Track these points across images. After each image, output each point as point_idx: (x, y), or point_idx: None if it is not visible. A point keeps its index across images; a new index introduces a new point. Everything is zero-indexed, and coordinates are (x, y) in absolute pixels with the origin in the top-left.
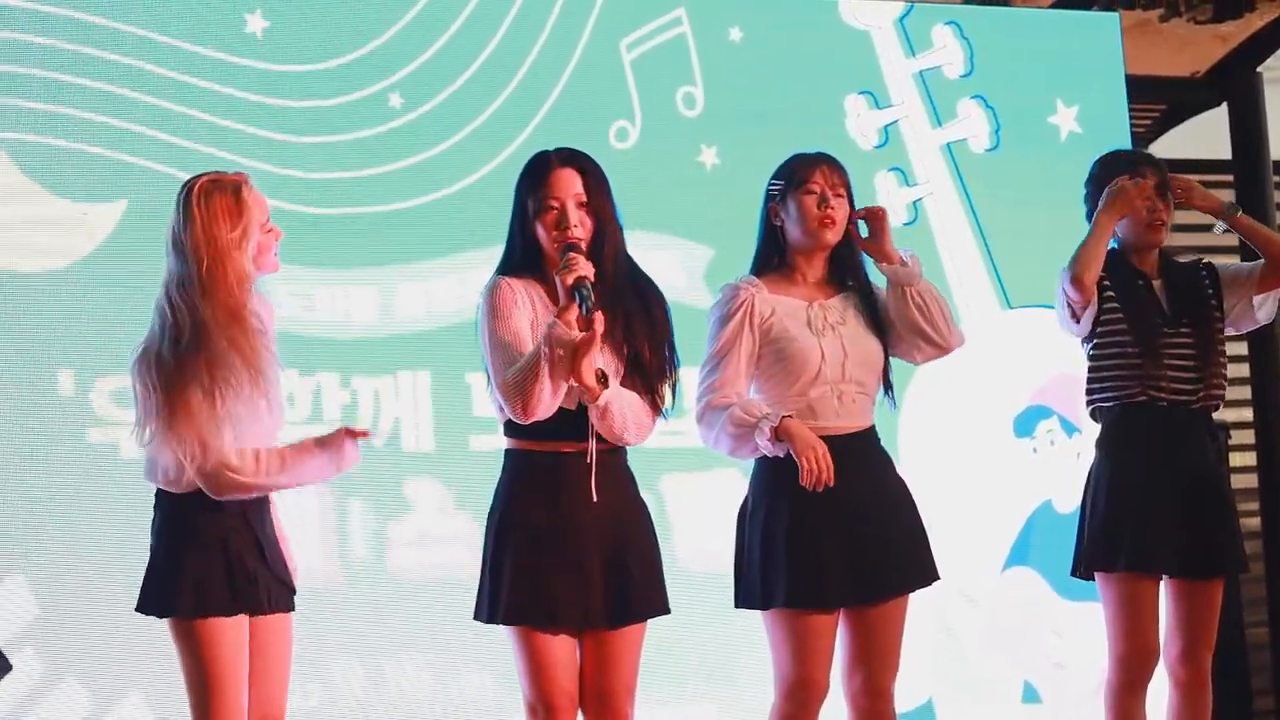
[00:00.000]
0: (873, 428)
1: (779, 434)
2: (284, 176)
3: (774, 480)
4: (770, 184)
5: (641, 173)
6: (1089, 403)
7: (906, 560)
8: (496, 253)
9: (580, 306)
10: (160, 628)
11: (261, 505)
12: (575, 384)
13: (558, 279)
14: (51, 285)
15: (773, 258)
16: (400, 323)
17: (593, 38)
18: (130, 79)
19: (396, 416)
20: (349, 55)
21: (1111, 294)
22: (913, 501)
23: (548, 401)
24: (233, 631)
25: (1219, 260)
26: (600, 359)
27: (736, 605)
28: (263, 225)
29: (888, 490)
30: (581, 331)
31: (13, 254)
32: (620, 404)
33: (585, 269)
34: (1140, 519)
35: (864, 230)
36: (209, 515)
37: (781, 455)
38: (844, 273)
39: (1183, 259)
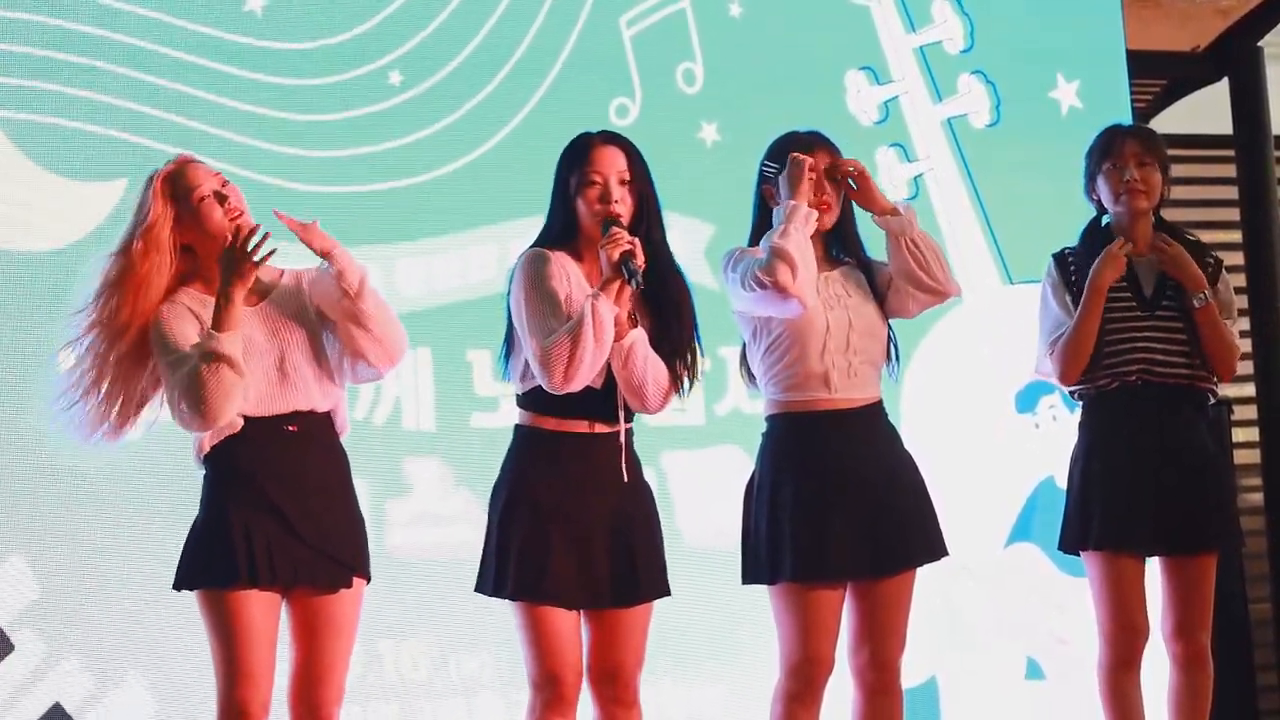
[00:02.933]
0: (880, 401)
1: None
2: (283, 154)
3: (781, 456)
4: (763, 165)
5: (641, 149)
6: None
7: (914, 534)
8: (498, 230)
9: (629, 281)
10: (160, 607)
11: (293, 478)
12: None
13: (602, 253)
14: (51, 265)
15: (764, 235)
16: (401, 301)
17: (592, 14)
18: (129, 57)
19: (397, 395)
20: (348, 33)
21: (1075, 279)
22: (920, 476)
23: (586, 372)
24: (247, 606)
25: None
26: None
27: (744, 581)
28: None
29: (895, 464)
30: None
31: (12, 233)
32: (644, 350)
33: (630, 243)
34: (1112, 498)
35: (853, 185)
36: (223, 487)
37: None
38: (842, 248)
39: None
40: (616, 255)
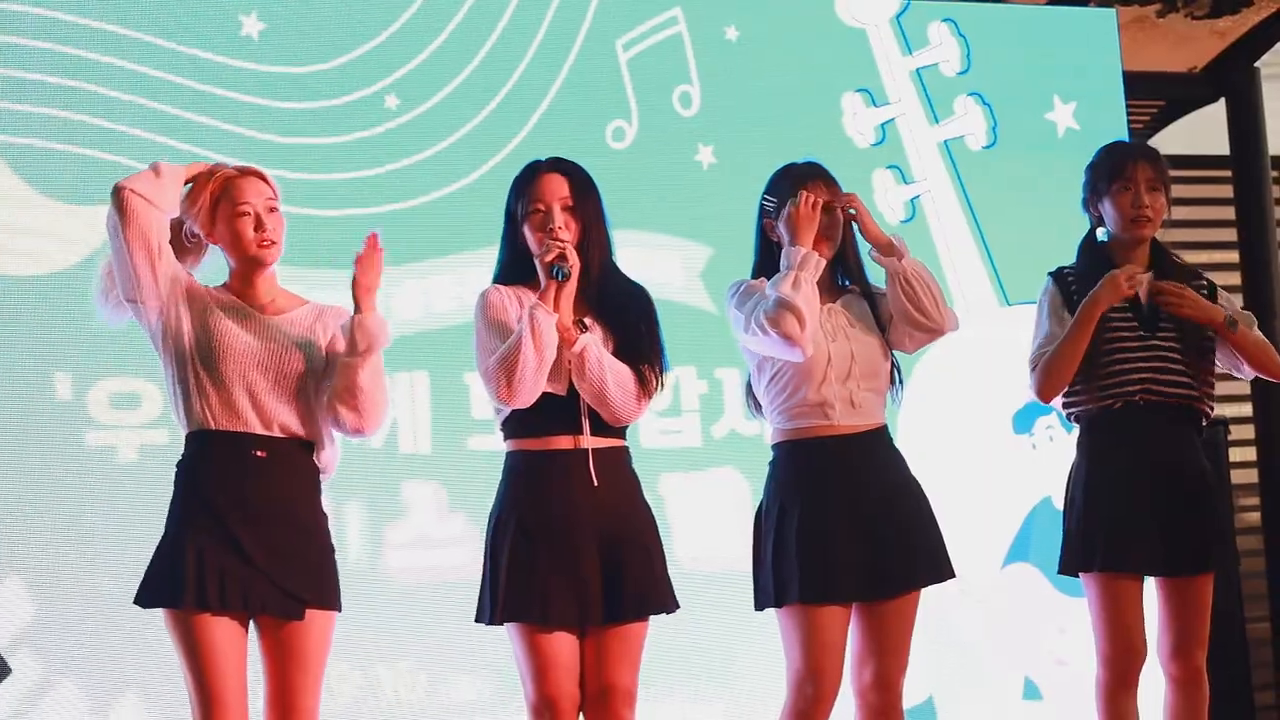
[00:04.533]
0: (884, 426)
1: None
2: (280, 178)
3: (786, 484)
4: (763, 198)
5: (638, 172)
6: (1064, 406)
7: (918, 556)
8: (494, 253)
9: (555, 276)
10: (156, 630)
11: (255, 504)
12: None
13: (537, 263)
14: (48, 288)
15: (769, 269)
16: (398, 323)
17: (589, 38)
18: (125, 81)
19: (394, 418)
20: (345, 57)
21: (1076, 298)
22: (925, 499)
23: (529, 382)
24: (209, 629)
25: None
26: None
27: (756, 608)
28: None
29: (899, 487)
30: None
31: (9, 257)
32: (598, 354)
33: (561, 247)
34: (1114, 520)
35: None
36: (182, 509)
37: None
38: (845, 274)
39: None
40: (550, 259)
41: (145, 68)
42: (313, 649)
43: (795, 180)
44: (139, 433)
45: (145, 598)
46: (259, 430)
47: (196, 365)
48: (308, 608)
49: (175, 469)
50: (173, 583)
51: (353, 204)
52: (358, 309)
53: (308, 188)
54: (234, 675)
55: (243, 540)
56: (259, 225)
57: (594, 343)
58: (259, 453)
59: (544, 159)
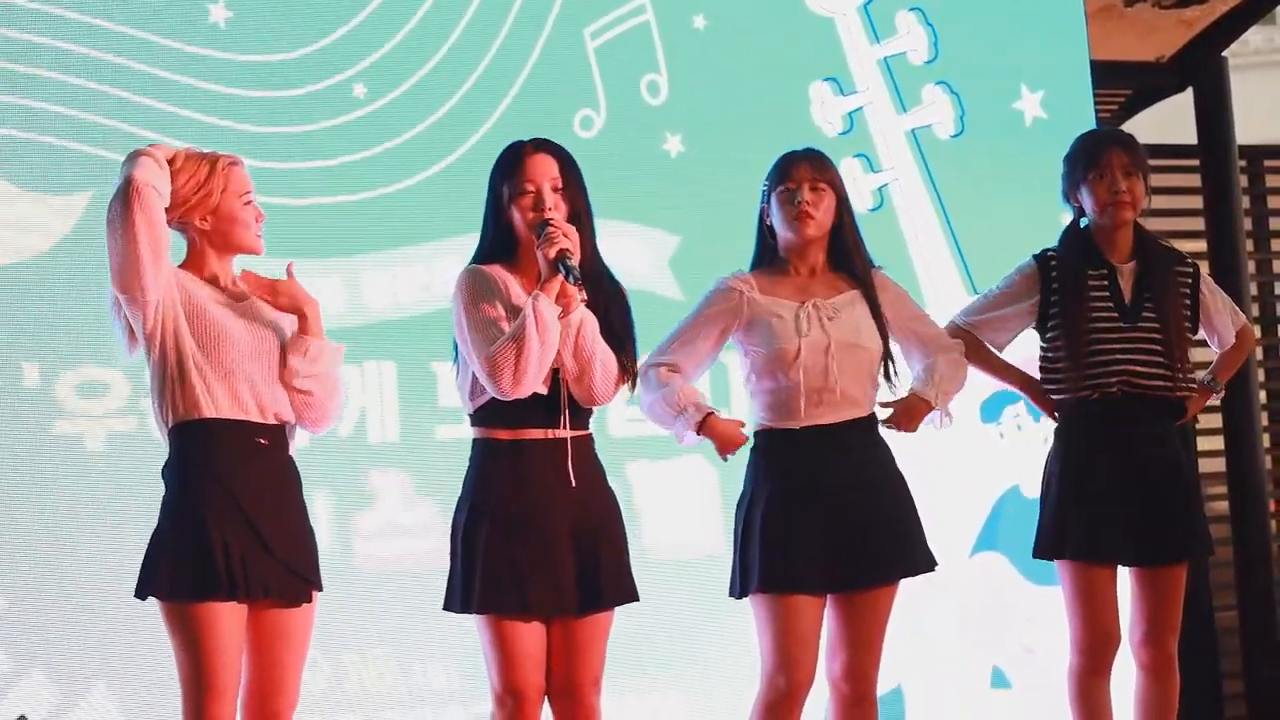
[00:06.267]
0: (867, 417)
1: (701, 430)
2: (247, 167)
3: (758, 472)
4: (763, 185)
5: (606, 161)
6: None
7: (893, 548)
8: (462, 242)
9: (566, 277)
10: (126, 617)
11: (264, 491)
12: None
13: (539, 253)
14: (16, 278)
15: (765, 258)
16: (366, 313)
17: (556, 26)
18: (91, 69)
19: (362, 406)
20: (312, 45)
21: (1057, 288)
22: (906, 490)
23: (534, 373)
24: (218, 618)
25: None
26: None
27: (730, 595)
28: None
29: (875, 478)
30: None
31: None
32: (594, 329)
33: (566, 241)
34: (1088, 508)
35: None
36: (199, 497)
37: (690, 444)
38: (844, 262)
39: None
40: (553, 253)
41: (111, 55)
42: (305, 629)
43: (781, 164)
44: (107, 421)
45: (165, 590)
46: (258, 419)
47: (198, 355)
48: (311, 590)
49: (174, 458)
50: (202, 574)
51: (320, 193)
52: (297, 315)
53: (274, 176)
54: (234, 663)
55: (259, 526)
56: (258, 215)
57: (591, 318)
58: (261, 440)
59: (528, 139)
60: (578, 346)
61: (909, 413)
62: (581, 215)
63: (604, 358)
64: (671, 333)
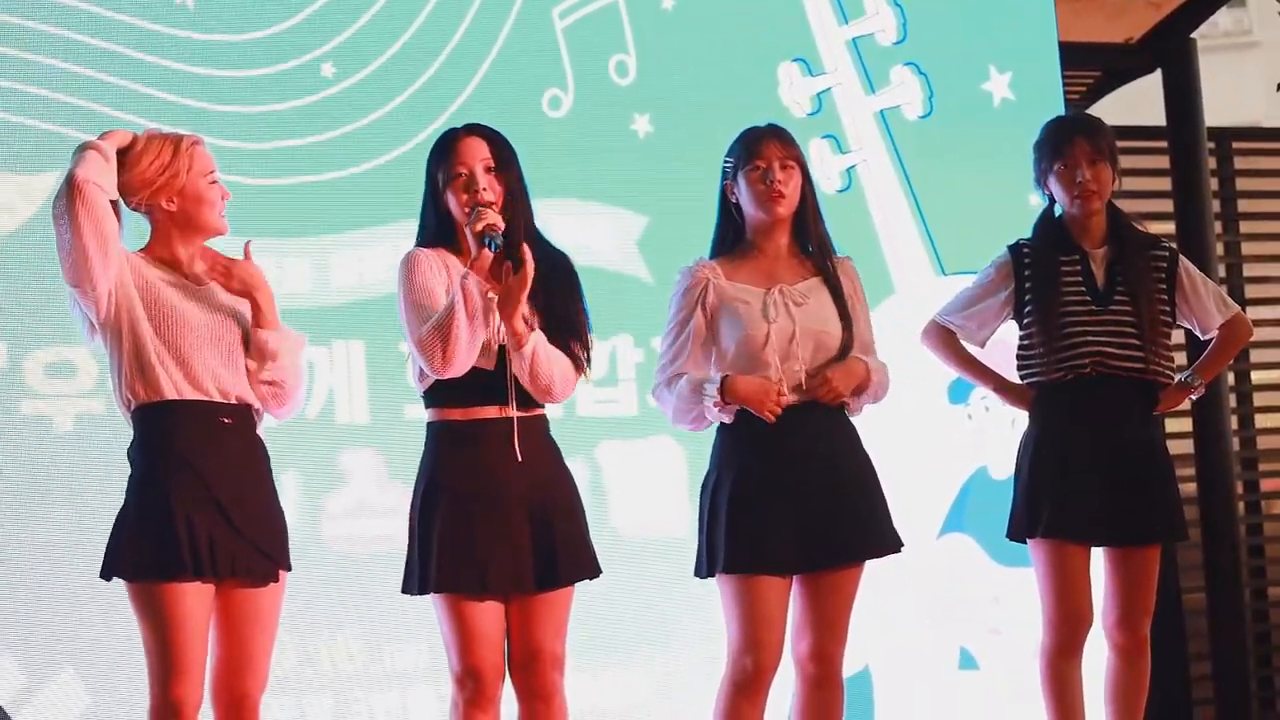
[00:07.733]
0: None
1: (725, 395)
2: (215, 146)
3: (724, 453)
4: (724, 161)
5: (575, 141)
6: (1021, 377)
7: (859, 529)
8: None
9: (489, 245)
10: (92, 599)
11: (231, 471)
12: (504, 330)
13: (468, 231)
14: None
15: (728, 236)
16: (333, 293)
17: (525, 6)
18: (58, 48)
19: (330, 387)
20: (280, 25)
21: (1029, 275)
22: (873, 472)
23: (464, 353)
24: (183, 598)
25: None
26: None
27: (695, 575)
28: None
29: (843, 460)
30: (496, 280)
31: None
32: (547, 352)
33: (493, 217)
34: (1062, 488)
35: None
36: (164, 477)
37: (730, 419)
38: (805, 238)
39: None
40: (479, 228)
41: (78, 34)
42: (274, 609)
43: (748, 142)
44: (75, 402)
45: (133, 570)
46: (219, 399)
47: (155, 340)
48: (279, 569)
49: (138, 439)
50: (166, 554)
51: (288, 172)
52: (249, 299)
53: (242, 156)
54: (200, 643)
55: (226, 505)
56: (223, 194)
57: (541, 341)
58: (226, 419)
59: (459, 126)
60: (534, 374)
61: (848, 372)
62: (516, 193)
63: (562, 371)
64: (665, 346)
